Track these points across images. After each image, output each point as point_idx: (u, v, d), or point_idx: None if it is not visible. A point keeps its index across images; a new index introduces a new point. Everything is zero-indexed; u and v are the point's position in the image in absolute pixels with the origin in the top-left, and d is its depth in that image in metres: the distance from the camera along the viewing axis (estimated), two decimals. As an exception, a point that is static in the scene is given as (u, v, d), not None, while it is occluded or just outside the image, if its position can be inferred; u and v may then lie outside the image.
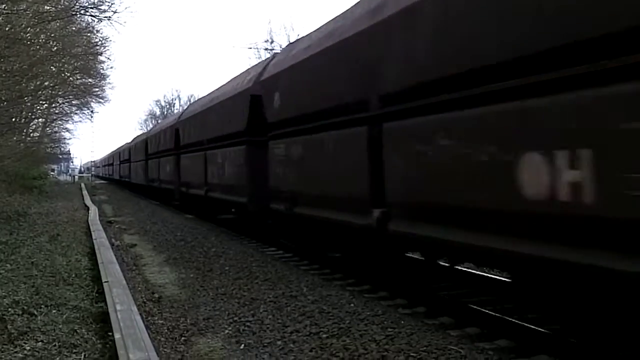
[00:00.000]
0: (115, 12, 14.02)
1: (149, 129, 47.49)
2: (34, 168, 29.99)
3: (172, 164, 17.13)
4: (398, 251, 6.72)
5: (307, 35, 8.27)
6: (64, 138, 41.65)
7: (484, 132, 3.94)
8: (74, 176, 67.47)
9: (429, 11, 4.61)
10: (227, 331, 4.99)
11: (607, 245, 3.02)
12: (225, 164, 11.03)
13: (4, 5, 12.30)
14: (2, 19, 12.95)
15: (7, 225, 11.92)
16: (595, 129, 3.06)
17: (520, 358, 4.31)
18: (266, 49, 39.81)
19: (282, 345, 4.54)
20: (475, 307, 5.52)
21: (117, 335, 4.19)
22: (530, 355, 4.32)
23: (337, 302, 5.74)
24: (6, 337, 4.53)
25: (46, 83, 20.17)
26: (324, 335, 4.71)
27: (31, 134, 29.77)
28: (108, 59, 28.84)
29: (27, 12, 13.36)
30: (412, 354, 4.16)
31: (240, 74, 12.37)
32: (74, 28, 19.18)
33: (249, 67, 13.13)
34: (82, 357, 4.18)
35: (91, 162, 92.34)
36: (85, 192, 29.44)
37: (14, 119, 21.57)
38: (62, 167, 73.06)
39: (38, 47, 16.23)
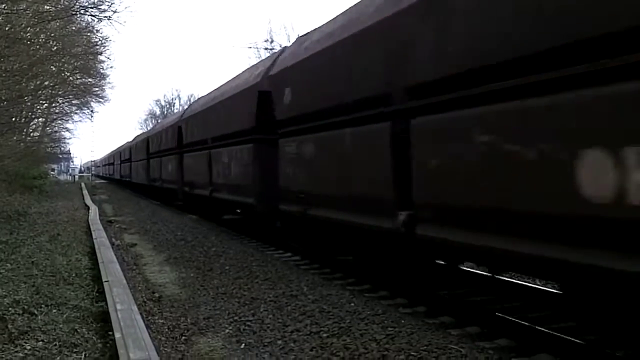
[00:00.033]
0: (115, 11, 13.98)
1: (149, 128, 47.55)
2: (34, 168, 29.98)
3: (175, 163, 16.75)
4: (427, 258, 6.25)
5: (318, 28, 7.83)
6: (64, 138, 41.73)
7: (536, 127, 3.49)
8: (74, 176, 67.49)
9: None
10: (227, 330, 4.99)
11: None
12: (232, 163, 10.63)
13: (3, 5, 12.30)
14: (2, 19, 12.95)
15: (8, 225, 11.92)
16: None
17: (520, 357, 4.31)
18: (266, 49, 39.86)
19: (283, 344, 4.54)
20: (504, 316, 5.14)
21: (117, 335, 4.19)
22: (531, 354, 4.32)
23: (337, 302, 5.74)
24: (7, 336, 4.53)
25: (46, 83, 20.17)
26: (325, 335, 4.71)
27: (31, 134, 29.78)
28: (108, 58, 28.96)
29: (27, 11, 13.35)
30: (412, 353, 4.16)
31: (247, 69, 12.02)
32: (73, 28, 19.18)
33: (255, 62, 12.86)
34: (83, 356, 4.19)
35: (91, 161, 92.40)
36: (85, 192, 29.44)
37: (14, 119, 21.58)
38: (62, 167, 73.09)
39: (38, 46, 16.23)
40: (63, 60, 19.91)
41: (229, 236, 11.51)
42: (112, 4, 14.10)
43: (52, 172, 50.62)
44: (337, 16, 7.20)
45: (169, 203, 19.88)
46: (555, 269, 3.70)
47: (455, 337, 4.60)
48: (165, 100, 77.89)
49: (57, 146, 41.12)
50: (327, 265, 8.00)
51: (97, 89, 30.63)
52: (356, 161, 5.92)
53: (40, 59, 16.13)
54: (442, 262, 6.66)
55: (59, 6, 14.86)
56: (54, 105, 28.10)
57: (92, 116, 37.29)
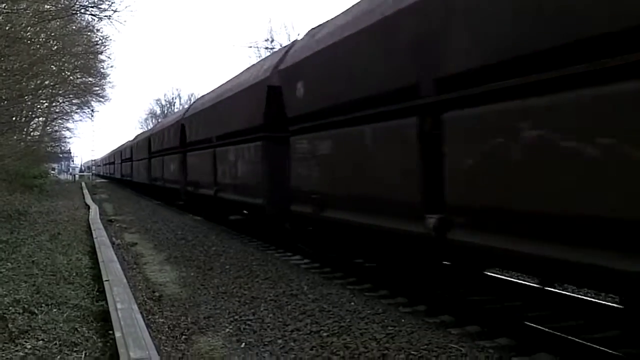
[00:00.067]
0: (115, 11, 13.97)
1: (149, 128, 47.53)
2: (34, 167, 30.00)
3: (178, 162, 16.37)
4: (459, 264, 5.87)
5: (332, 20, 7.30)
6: (65, 137, 41.70)
7: (600, 120, 3.10)
8: (74, 175, 67.46)
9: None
10: (227, 330, 4.99)
11: None
12: (238, 162, 10.18)
13: (4, 4, 12.30)
14: (3, 18, 12.95)
15: (8, 224, 11.92)
16: None
17: (520, 356, 4.31)
18: (266, 48, 39.89)
19: (283, 343, 4.54)
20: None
21: (117, 334, 4.20)
22: (531, 353, 4.32)
23: (337, 301, 5.74)
24: (7, 335, 4.53)
25: (46, 82, 20.17)
26: (325, 334, 4.71)
27: (32, 133, 29.79)
28: (108, 57, 28.92)
29: (28, 11, 13.36)
30: (412, 352, 4.16)
31: (253, 65, 11.56)
32: (74, 27, 19.17)
33: (259, 59, 12.50)
34: (83, 355, 4.19)
35: (92, 161, 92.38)
36: (85, 191, 29.45)
37: (14, 118, 21.58)
38: (63, 166, 73.07)
39: (38, 46, 16.23)
40: (63, 59, 19.91)
41: (229, 235, 11.51)
42: (112, 3, 14.09)
43: (52, 172, 50.60)
44: (352, 6, 6.68)
45: (172, 203, 19.63)
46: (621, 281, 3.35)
47: (455, 336, 4.60)
48: (165, 100, 78.15)
49: (57, 145, 41.12)
50: (328, 264, 8.00)
51: (97, 88, 30.73)
52: (377, 159, 5.49)
53: (41, 58, 16.14)
54: (476, 269, 6.30)
55: (59, 5, 14.86)
56: (54, 104, 28.13)
57: (92, 115, 37.41)
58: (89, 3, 14.66)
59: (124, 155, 36.18)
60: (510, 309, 5.52)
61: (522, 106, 3.63)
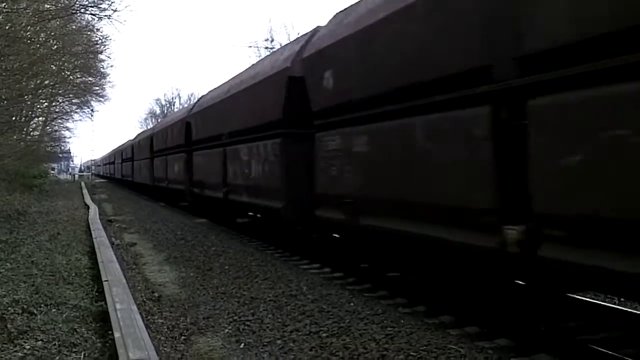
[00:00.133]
0: (115, 10, 13.94)
1: (149, 127, 47.49)
2: (34, 167, 30.01)
3: (182, 162, 15.54)
4: (555, 287, 4.76)
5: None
6: (64, 137, 41.75)
7: None
8: (74, 175, 67.52)
9: None
10: (227, 330, 4.99)
11: None
12: (252, 161, 9.28)
13: (4, 4, 12.30)
14: (2, 18, 12.94)
15: (7, 224, 11.92)
16: None
17: (519, 357, 4.31)
18: (266, 48, 39.87)
19: (282, 344, 4.54)
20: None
21: (116, 334, 4.20)
22: (529, 354, 4.32)
23: (337, 301, 5.74)
24: (6, 336, 4.53)
25: (46, 82, 20.18)
26: (324, 335, 4.71)
27: (31, 133, 29.79)
28: (108, 57, 28.87)
29: (27, 10, 13.36)
30: (411, 353, 4.16)
31: (269, 54, 10.67)
32: (74, 26, 19.17)
33: (280, 46, 10.96)
34: (82, 356, 4.19)
35: (91, 160, 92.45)
36: (85, 191, 29.46)
37: (14, 118, 21.59)
38: (62, 166, 73.13)
39: (38, 45, 16.23)
40: (63, 59, 19.93)
41: (228, 235, 11.51)
42: (112, 2, 14.08)
43: (52, 171, 50.64)
44: None
45: (175, 205, 19.05)
46: None
47: (454, 337, 4.60)
48: (165, 100, 78.07)
49: (57, 145, 41.17)
50: (327, 264, 7.99)
51: (97, 87, 30.74)
52: (432, 158, 4.65)
53: (41, 57, 16.13)
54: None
55: (59, 5, 14.88)
56: (54, 104, 28.15)
57: (92, 115, 37.36)
58: (89, 2, 14.66)
59: (124, 155, 35.70)
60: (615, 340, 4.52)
61: None
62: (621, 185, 2.99)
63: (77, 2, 14.93)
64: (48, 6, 13.98)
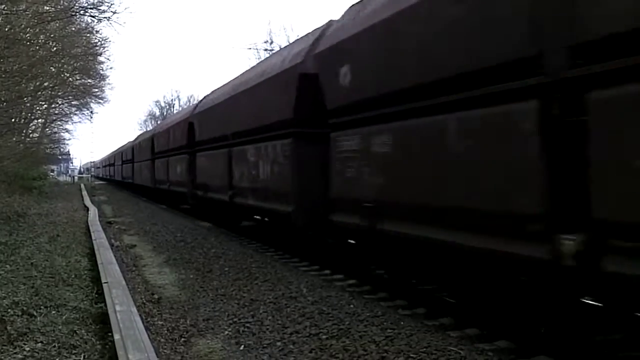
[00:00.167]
0: (114, 12, 13.97)
1: (148, 129, 47.45)
2: (33, 169, 29.97)
3: (185, 163, 15.12)
4: (611, 304, 4.29)
5: None
6: (64, 139, 41.75)
7: None
8: (73, 177, 67.49)
9: None
10: (226, 332, 4.98)
11: None
12: (260, 163, 8.85)
13: (3, 6, 12.30)
14: (2, 20, 12.96)
15: (7, 226, 11.91)
16: None
17: (520, 359, 4.30)
18: (266, 50, 39.88)
19: (282, 346, 4.54)
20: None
21: (116, 336, 4.19)
22: (530, 356, 4.32)
23: (336, 303, 5.74)
24: (6, 338, 4.53)
25: (46, 84, 20.18)
26: (324, 337, 4.71)
27: (31, 135, 29.76)
28: (107, 59, 29.02)
29: (27, 12, 13.36)
30: (411, 355, 4.16)
31: (278, 50, 10.31)
32: (73, 28, 19.20)
33: (292, 41, 10.02)
34: (82, 358, 4.18)
35: (91, 162, 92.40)
36: (84, 193, 29.43)
37: (13, 120, 21.57)
38: (62, 168, 73.08)
39: (37, 47, 16.23)
40: (62, 61, 19.93)
41: (228, 237, 11.50)
42: (111, 4, 14.15)
43: (51, 173, 50.62)
44: None
45: (177, 207, 18.75)
46: None
47: (454, 338, 4.60)
48: (164, 101, 78.13)
49: (56, 147, 41.14)
50: (327, 266, 7.98)
51: (96, 89, 30.78)
52: (467, 158, 4.25)
53: (40, 59, 16.14)
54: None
55: (59, 7, 14.89)
56: (53, 106, 28.18)
57: (91, 117, 37.45)
58: (89, 4, 14.71)
59: (124, 156, 35.28)
60: None
61: None
62: None
63: (77, 4, 14.98)
64: (47, 8, 13.99)
